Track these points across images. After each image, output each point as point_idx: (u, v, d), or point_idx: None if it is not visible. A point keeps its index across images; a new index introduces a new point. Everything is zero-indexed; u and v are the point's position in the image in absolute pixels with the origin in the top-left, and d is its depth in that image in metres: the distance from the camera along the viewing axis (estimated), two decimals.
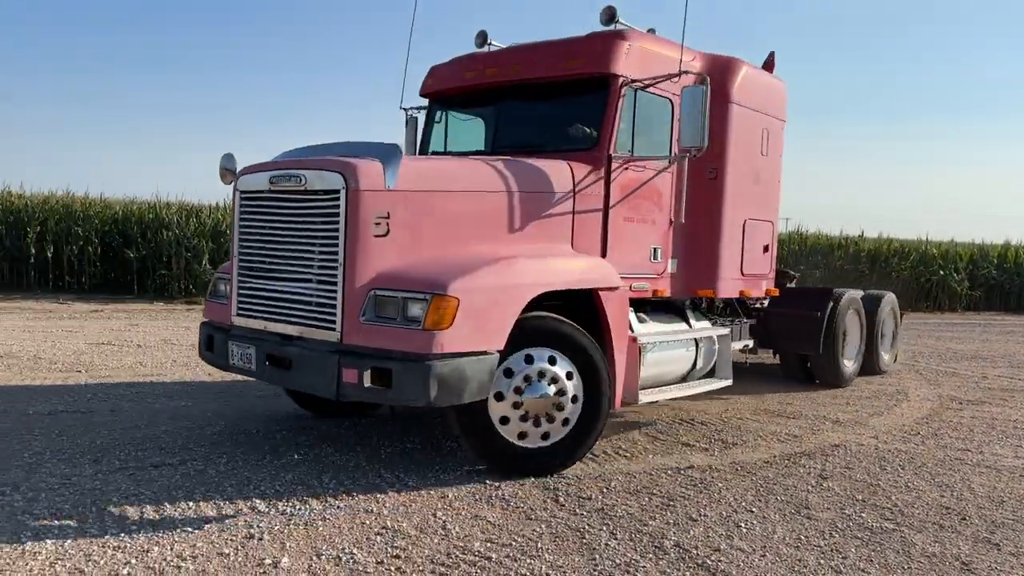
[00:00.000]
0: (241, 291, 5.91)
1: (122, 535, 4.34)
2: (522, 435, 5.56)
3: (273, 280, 5.66)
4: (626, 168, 6.54)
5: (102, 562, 3.99)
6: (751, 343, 8.79)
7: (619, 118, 6.52)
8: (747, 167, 7.77)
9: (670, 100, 7.01)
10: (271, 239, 5.64)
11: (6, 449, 5.92)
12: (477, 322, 5.10)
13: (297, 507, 4.90)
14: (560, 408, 5.62)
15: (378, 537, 4.48)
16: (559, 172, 6.25)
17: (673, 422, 7.61)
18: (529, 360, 5.53)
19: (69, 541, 4.23)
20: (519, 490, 5.37)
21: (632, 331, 6.52)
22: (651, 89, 6.71)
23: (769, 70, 8.43)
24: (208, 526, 4.54)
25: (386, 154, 5.29)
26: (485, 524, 4.73)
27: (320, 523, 4.65)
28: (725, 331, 7.70)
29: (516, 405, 5.45)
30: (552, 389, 5.56)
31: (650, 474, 5.89)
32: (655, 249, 7.03)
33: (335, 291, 5.22)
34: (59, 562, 3.97)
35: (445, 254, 5.41)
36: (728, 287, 7.67)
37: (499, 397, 5.40)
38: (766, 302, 8.87)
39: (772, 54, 8.44)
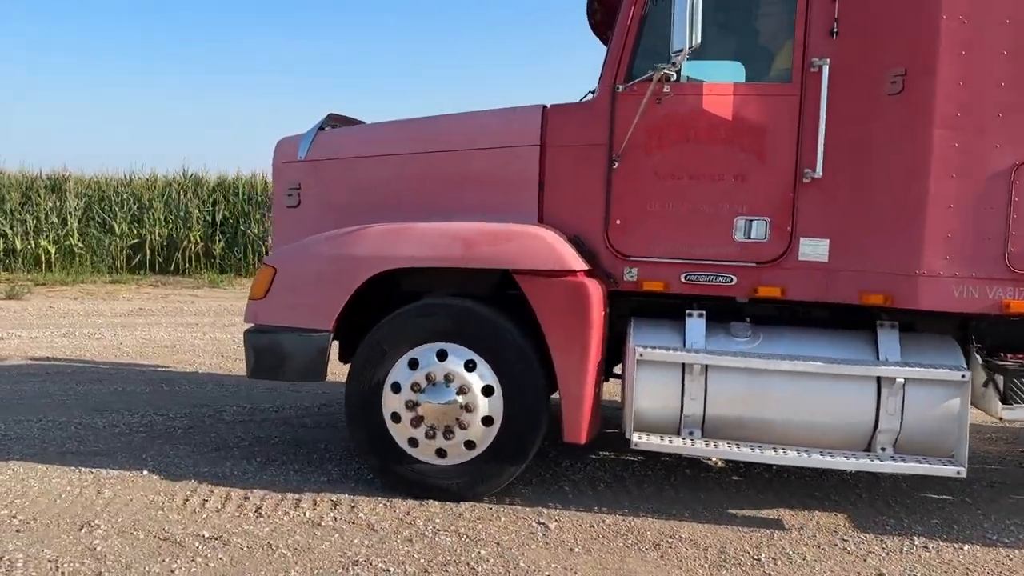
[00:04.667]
0: None
1: None
2: (413, 441, 4.57)
3: None
4: (657, 100, 4.37)
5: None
6: None
7: (632, 37, 4.45)
8: None
9: None
10: None
11: None
12: (296, 295, 4.63)
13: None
14: (463, 426, 4.45)
15: None
16: (519, 123, 4.72)
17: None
18: (442, 356, 4.52)
19: None
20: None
21: (633, 341, 4.41)
22: None
23: None
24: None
25: (312, 127, 5.17)
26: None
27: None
28: (955, 376, 4.15)
29: (411, 405, 4.53)
30: (458, 399, 4.41)
31: None
32: (750, 222, 4.41)
33: None
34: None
35: (344, 225, 4.87)
36: (943, 292, 4.07)
37: (396, 388, 4.58)
38: None
39: None
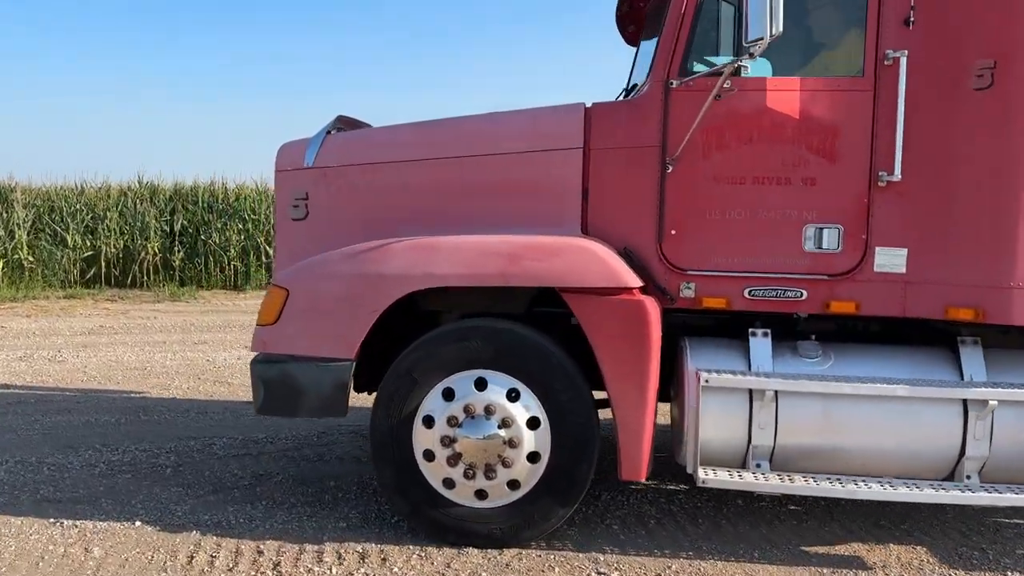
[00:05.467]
0: None
1: None
2: (448, 482, 4.05)
3: None
4: (717, 97, 3.93)
5: None
6: None
7: (687, 27, 4.01)
8: None
9: None
10: None
11: None
12: (313, 321, 4.07)
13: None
14: (506, 464, 3.96)
15: None
16: (558, 124, 4.24)
17: None
18: (481, 385, 4.01)
19: None
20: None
21: (692, 364, 3.98)
22: None
23: None
24: None
25: (320, 130, 4.63)
26: None
27: None
28: None
29: (446, 441, 4.01)
30: (501, 433, 3.91)
31: None
32: (821, 231, 4.01)
33: None
34: None
35: (359, 239, 4.33)
36: None
37: (428, 422, 4.06)
38: None
39: None
